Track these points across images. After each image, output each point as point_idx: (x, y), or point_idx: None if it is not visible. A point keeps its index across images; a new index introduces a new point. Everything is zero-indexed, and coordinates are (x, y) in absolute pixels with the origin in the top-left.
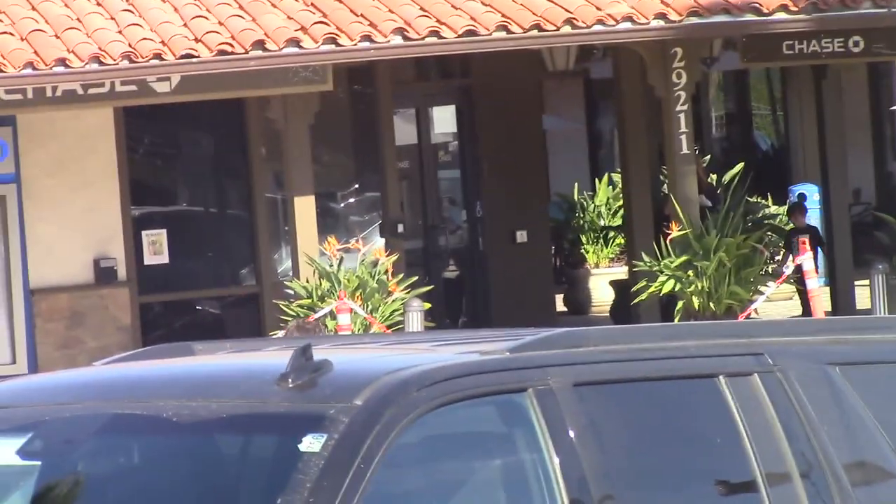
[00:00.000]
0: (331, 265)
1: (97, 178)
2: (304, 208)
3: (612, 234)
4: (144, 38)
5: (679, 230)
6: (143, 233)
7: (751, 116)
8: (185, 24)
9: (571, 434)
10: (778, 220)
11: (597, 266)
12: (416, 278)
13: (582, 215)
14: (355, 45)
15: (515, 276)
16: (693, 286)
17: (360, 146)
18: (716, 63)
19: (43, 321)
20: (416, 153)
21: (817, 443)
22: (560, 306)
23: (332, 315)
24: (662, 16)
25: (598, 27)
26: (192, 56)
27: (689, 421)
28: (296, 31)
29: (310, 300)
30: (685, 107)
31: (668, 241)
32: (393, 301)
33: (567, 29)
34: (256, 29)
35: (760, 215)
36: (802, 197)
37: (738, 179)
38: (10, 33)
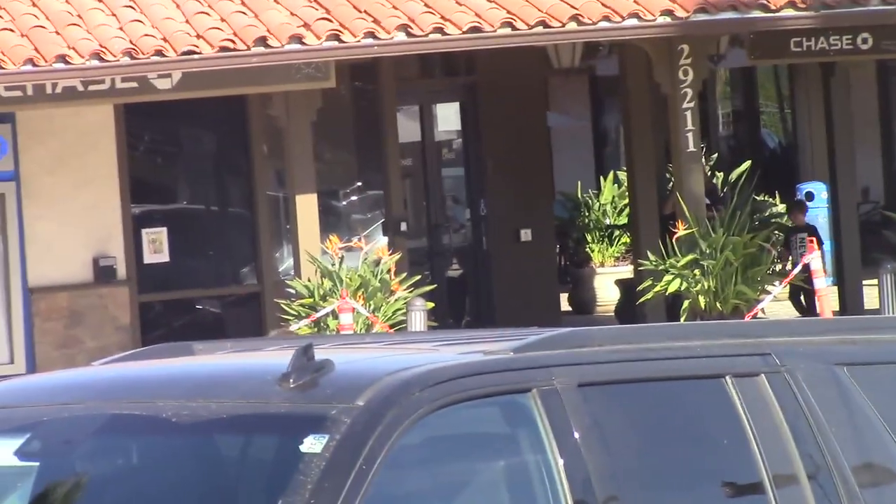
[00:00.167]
0: (333, 264)
1: (97, 176)
2: (306, 206)
3: (617, 232)
4: (146, 35)
5: (685, 229)
6: (143, 231)
7: (758, 114)
8: (186, 21)
9: (576, 435)
10: (785, 218)
11: (602, 265)
12: (418, 277)
13: (587, 214)
14: (359, 41)
15: (519, 275)
16: (699, 285)
17: (363, 144)
18: (723, 60)
19: (41, 320)
20: (419, 151)
21: (825, 444)
22: (565, 306)
23: (334, 314)
24: (669, 12)
25: (604, 24)
26: (194, 53)
27: (695, 422)
28: (298, 27)
29: (311, 299)
30: (692, 104)
31: (674, 240)
32: (395, 300)
33: (573, 25)
34: (259, 25)
35: (767, 214)
36: (810, 196)
37: (745, 177)
38: (11, 29)
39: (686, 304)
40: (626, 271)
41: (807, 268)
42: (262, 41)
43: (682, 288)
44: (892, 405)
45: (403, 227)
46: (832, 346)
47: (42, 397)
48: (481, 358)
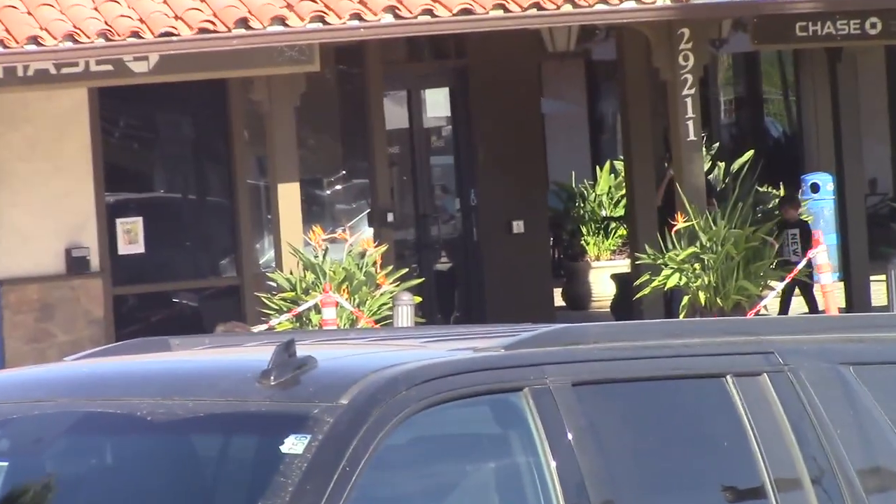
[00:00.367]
0: (316, 256)
1: (70, 163)
2: (289, 196)
3: (613, 224)
4: (121, 16)
5: (685, 221)
6: (118, 221)
7: (762, 101)
8: (164, 1)
9: (569, 436)
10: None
11: (597, 259)
12: (405, 270)
13: (582, 205)
14: (344, 23)
15: (511, 268)
16: (699, 280)
17: (348, 130)
18: (725, 45)
19: (11, 313)
20: (407, 138)
21: (829, 447)
22: (558, 301)
23: (317, 309)
24: None
25: (601, 6)
26: (172, 34)
27: (695, 423)
28: (281, 8)
29: (293, 293)
30: (692, 91)
31: (672, 233)
32: (381, 294)
33: (568, 7)
34: (240, 6)
35: (771, 206)
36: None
37: (747, 168)
38: None
39: (685, 299)
40: (623, 265)
41: (806, 263)
42: (244, 23)
43: (682, 283)
44: None
45: (390, 217)
46: (838, 344)
47: (11, 394)
48: (471, 355)
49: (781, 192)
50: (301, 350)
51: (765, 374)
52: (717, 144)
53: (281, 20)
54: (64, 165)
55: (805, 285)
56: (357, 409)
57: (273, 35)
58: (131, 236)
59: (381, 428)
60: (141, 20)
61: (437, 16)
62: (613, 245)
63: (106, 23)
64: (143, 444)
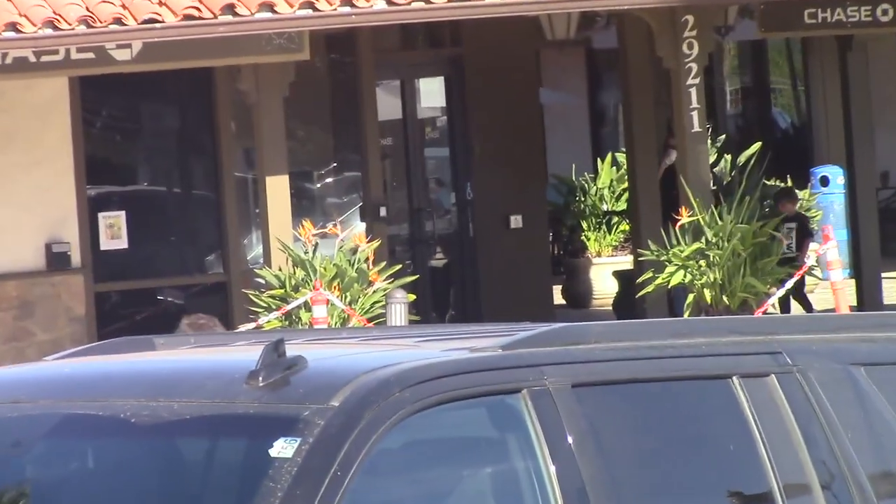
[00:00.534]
0: (306, 252)
1: (50, 155)
2: (277, 189)
3: (615, 219)
4: (103, 1)
5: (689, 216)
6: (100, 215)
7: (769, 91)
8: None
9: (569, 440)
10: (799, 205)
11: (599, 255)
12: (399, 267)
13: (583, 199)
14: (335, 9)
15: (509, 265)
16: (704, 277)
17: (339, 121)
18: (731, 32)
19: None
20: (400, 129)
21: (840, 450)
22: (558, 299)
23: (307, 307)
24: None
25: None
26: (156, 21)
27: (700, 426)
28: None
29: (282, 290)
30: (697, 80)
31: (677, 228)
32: (374, 292)
33: None
34: None
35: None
36: (824, 181)
37: (754, 160)
38: None
39: (690, 297)
40: (625, 262)
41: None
42: (230, 9)
43: (686, 280)
44: None
45: (383, 212)
46: (848, 344)
47: None
48: (467, 355)
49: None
50: (290, 350)
51: (772, 375)
52: (723, 136)
53: (269, 6)
54: (44, 158)
55: (796, 285)
56: (349, 412)
57: (261, 22)
58: (114, 231)
59: (373, 431)
60: (123, 6)
61: (431, 2)
62: (615, 241)
63: (87, 9)
64: (127, 447)
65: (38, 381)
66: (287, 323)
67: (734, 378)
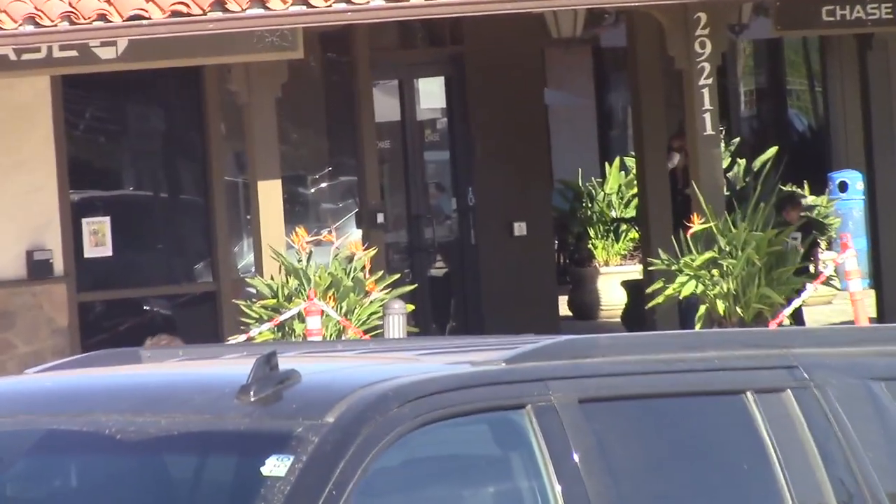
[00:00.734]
0: (299, 260)
1: (31, 158)
2: (269, 194)
3: (624, 227)
4: None
5: (702, 223)
6: (84, 221)
7: (785, 93)
8: None
9: (576, 457)
10: (816, 212)
11: (606, 264)
12: (397, 276)
13: (590, 205)
14: (330, 5)
15: (512, 274)
16: (717, 288)
17: (335, 123)
18: (745, 31)
19: None
20: (398, 131)
21: (858, 469)
22: (564, 310)
23: (301, 317)
24: None
25: None
26: (142, 17)
27: (712, 443)
28: None
29: (275, 300)
30: (709, 81)
31: (688, 236)
32: (371, 302)
33: None
34: None
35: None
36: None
37: (769, 165)
38: None
39: (702, 309)
40: (634, 271)
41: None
42: (220, 5)
43: (698, 291)
44: None
45: (380, 218)
46: (868, 358)
47: None
48: (468, 369)
49: (807, 192)
50: (283, 363)
51: (788, 391)
52: (737, 139)
53: (261, 2)
54: (24, 161)
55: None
56: (344, 428)
57: (252, 18)
58: (98, 238)
59: (370, 448)
60: (108, 2)
61: None
62: (624, 249)
63: (70, 4)
64: (112, 464)
65: (18, 396)
66: (280, 335)
67: (748, 393)
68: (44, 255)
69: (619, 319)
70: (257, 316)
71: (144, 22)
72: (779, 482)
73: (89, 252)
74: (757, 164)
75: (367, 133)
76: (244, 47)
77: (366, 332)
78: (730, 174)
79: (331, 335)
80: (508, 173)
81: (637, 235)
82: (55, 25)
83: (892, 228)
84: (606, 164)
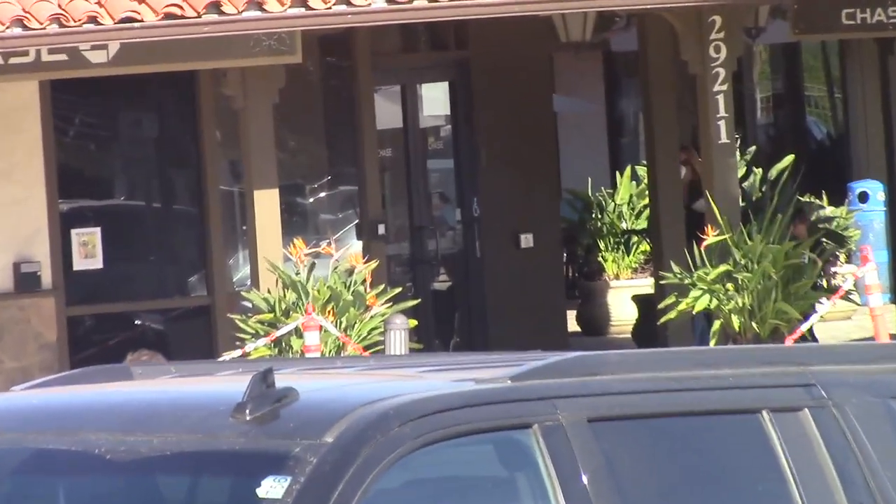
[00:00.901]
0: (297, 273)
1: (19, 166)
2: (266, 204)
3: (635, 239)
4: None
5: (716, 235)
6: (73, 231)
7: (803, 99)
8: None
9: (584, 479)
10: (835, 223)
11: (617, 277)
12: (399, 290)
13: (600, 216)
14: (329, 7)
15: (519, 288)
16: (732, 303)
17: (334, 130)
18: (762, 34)
19: None
20: (400, 139)
21: (878, 491)
22: (572, 325)
23: (299, 333)
24: None
25: None
26: (134, 20)
27: (726, 464)
28: None
29: (271, 315)
30: (724, 87)
31: (702, 249)
32: (371, 317)
33: None
34: None
35: (814, 218)
36: (863, 196)
37: (787, 174)
38: None
39: (717, 324)
40: (646, 285)
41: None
42: (215, 7)
43: (712, 305)
44: None
45: (381, 229)
46: (888, 376)
47: None
48: (473, 387)
49: (826, 202)
50: (280, 380)
51: (806, 410)
52: (753, 148)
53: (258, 4)
54: (11, 169)
55: None
56: (344, 448)
57: (249, 21)
58: (88, 249)
59: (370, 469)
60: (99, 3)
61: (435, 0)
62: (635, 262)
63: (60, 6)
64: (101, 485)
65: (4, 413)
66: (276, 351)
67: (764, 412)
68: (31, 268)
69: (629, 335)
70: (253, 331)
71: (137, 25)
72: None
73: (79, 264)
74: (773, 173)
75: (367, 140)
76: (240, 51)
77: (366, 348)
78: (745, 184)
79: (330, 351)
80: (515, 183)
81: (648, 248)
82: (44, 28)
83: None
84: (617, 174)
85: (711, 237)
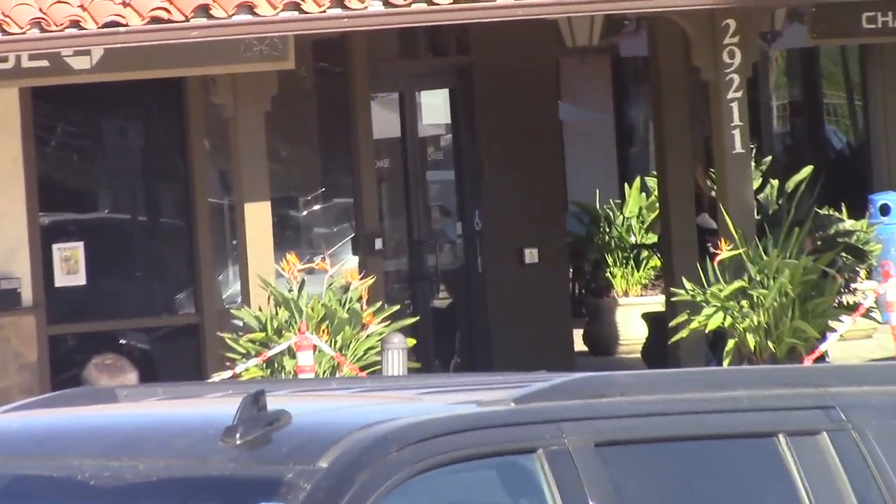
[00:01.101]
0: (290, 290)
1: None
2: (258, 217)
3: (645, 253)
4: (59, 2)
5: (730, 249)
6: (55, 246)
7: (822, 107)
8: None
9: None
10: (855, 237)
11: (626, 294)
12: (397, 308)
13: (608, 230)
14: (324, 11)
15: (523, 305)
16: (747, 321)
17: (329, 139)
18: (778, 39)
19: None
20: (398, 149)
21: None
22: (579, 345)
23: (292, 353)
24: None
25: None
26: (119, 24)
27: (741, 490)
28: None
29: (263, 334)
30: (739, 94)
31: (716, 264)
32: (368, 336)
33: None
34: None
35: (833, 232)
36: (885, 209)
37: (804, 186)
38: None
39: (731, 343)
40: (656, 302)
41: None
42: (204, 10)
43: (726, 324)
44: None
45: (378, 244)
46: None
47: None
48: (475, 410)
49: (846, 215)
50: (272, 403)
51: (824, 433)
52: (769, 158)
53: (249, 8)
54: None
55: None
56: (339, 474)
57: (239, 25)
58: (70, 265)
59: (367, 496)
60: (82, 7)
61: (435, 3)
62: (645, 278)
63: (41, 10)
64: None
65: None
66: (268, 372)
67: (780, 436)
68: (11, 284)
69: (639, 355)
70: (244, 351)
71: (121, 29)
72: None
73: (61, 280)
74: (790, 184)
75: (364, 150)
76: (230, 57)
77: (362, 368)
78: (760, 196)
79: (324, 372)
80: (519, 195)
81: (659, 263)
82: (24, 33)
83: None
84: (626, 185)
85: (725, 252)
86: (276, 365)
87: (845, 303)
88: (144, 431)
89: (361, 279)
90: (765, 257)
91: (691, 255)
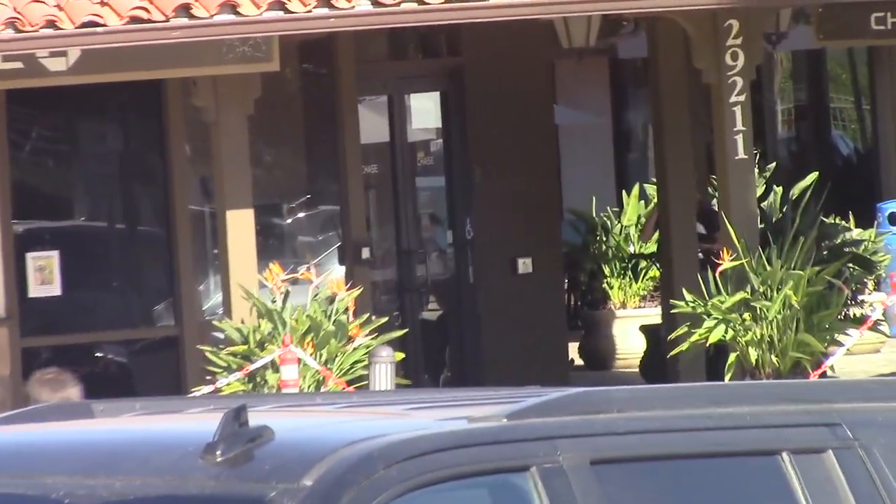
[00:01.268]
0: (273, 301)
1: None
2: (240, 225)
3: (643, 263)
4: (34, 1)
5: (732, 259)
6: (29, 255)
7: (828, 111)
8: None
9: None
10: (863, 247)
11: (623, 306)
12: (385, 320)
13: (605, 239)
14: (309, 10)
15: (516, 317)
16: (750, 334)
17: (315, 144)
18: (783, 41)
19: None
20: (387, 154)
21: None
22: (575, 358)
23: (275, 366)
24: None
25: None
26: (96, 24)
27: None
28: None
29: (245, 347)
30: (742, 97)
31: (717, 275)
32: (355, 349)
33: None
34: None
35: (839, 241)
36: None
37: (810, 193)
38: None
39: (732, 357)
40: (655, 314)
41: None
42: (185, 10)
43: (728, 337)
44: None
45: (366, 253)
46: None
47: None
48: (465, 426)
49: (853, 224)
50: (254, 419)
51: (830, 451)
52: (773, 164)
53: (231, 7)
54: None
55: None
56: (323, 493)
57: (221, 25)
58: (45, 275)
59: None
60: (58, 7)
61: (425, 2)
62: (643, 289)
63: (15, 9)
64: None
65: None
66: (251, 386)
67: (784, 454)
68: None
69: (636, 369)
70: (225, 364)
71: (99, 30)
72: None
73: (34, 291)
74: (795, 192)
75: (351, 156)
76: (212, 58)
77: (349, 382)
78: (764, 204)
79: (309, 386)
80: (512, 202)
81: (658, 274)
82: None
83: None
84: (624, 192)
85: (727, 262)
86: (258, 379)
87: (852, 315)
88: (121, 448)
89: (348, 290)
90: (768, 268)
91: (692, 265)
